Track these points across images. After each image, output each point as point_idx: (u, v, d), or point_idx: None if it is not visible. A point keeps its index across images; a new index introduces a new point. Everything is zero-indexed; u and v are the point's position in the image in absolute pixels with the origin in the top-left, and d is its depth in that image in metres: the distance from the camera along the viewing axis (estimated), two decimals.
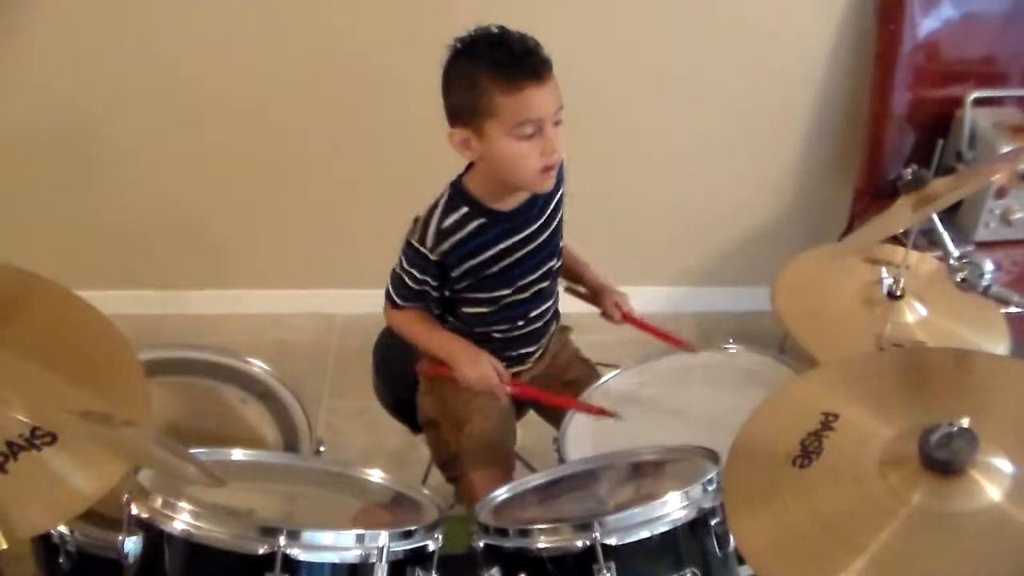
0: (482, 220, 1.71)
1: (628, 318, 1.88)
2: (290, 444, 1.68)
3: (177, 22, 2.55)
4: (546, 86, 1.59)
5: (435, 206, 1.72)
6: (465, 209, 1.71)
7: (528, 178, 1.65)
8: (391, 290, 1.80)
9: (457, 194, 1.72)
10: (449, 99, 1.64)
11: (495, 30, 1.61)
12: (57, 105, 2.67)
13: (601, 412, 1.73)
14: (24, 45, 2.57)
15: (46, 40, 2.56)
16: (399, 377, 2.01)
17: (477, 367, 1.75)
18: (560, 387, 1.93)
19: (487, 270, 1.74)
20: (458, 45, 1.62)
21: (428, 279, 1.74)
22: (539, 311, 1.84)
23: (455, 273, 1.73)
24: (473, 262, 1.72)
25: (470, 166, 1.73)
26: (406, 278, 1.75)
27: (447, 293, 1.78)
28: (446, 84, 1.64)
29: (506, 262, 1.75)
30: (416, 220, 1.74)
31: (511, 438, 1.91)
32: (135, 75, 2.62)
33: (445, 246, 1.70)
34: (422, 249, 1.70)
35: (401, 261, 1.75)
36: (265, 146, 2.76)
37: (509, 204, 1.73)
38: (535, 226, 1.76)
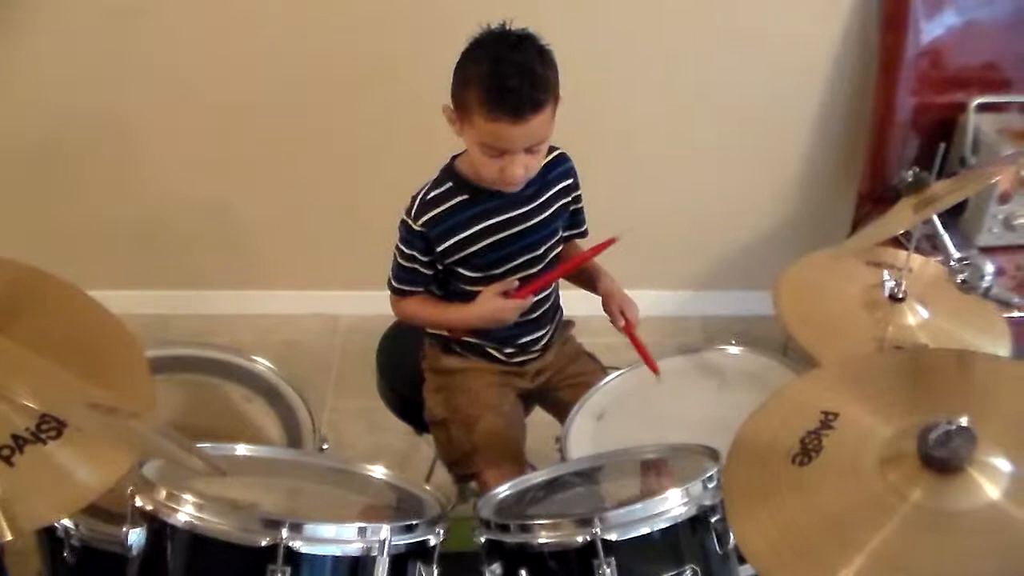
0: (464, 196, 1.75)
1: (628, 330, 1.82)
2: (294, 442, 1.70)
3: (198, 24, 2.57)
4: (523, 125, 1.59)
5: (427, 182, 1.79)
6: (449, 184, 1.76)
7: (489, 181, 1.71)
8: (390, 276, 1.84)
9: (446, 171, 1.79)
10: (453, 79, 1.66)
11: (510, 40, 1.62)
12: (71, 107, 2.68)
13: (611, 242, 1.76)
14: (42, 42, 2.58)
15: (64, 39, 2.58)
16: (404, 377, 2.02)
17: (491, 312, 1.76)
18: (565, 380, 1.95)
19: (470, 247, 1.77)
20: (479, 37, 1.64)
21: (416, 253, 1.77)
22: (537, 298, 1.84)
23: (439, 248, 1.76)
24: (456, 238, 1.76)
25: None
26: (398, 255, 1.81)
27: (440, 268, 1.80)
28: (457, 64, 1.66)
29: (489, 240, 1.77)
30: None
31: (522, 433, 1.92)
32: (150, 78, 2.64)
33: (426, 217, 1.74)
34: (408, 220, 1.76)
35: (397, 239, 1.80)
36: (271, 149, 2.77)
37: None
38: (525, 209, 1.78)
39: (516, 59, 1.60)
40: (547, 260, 1.85)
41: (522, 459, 1.88)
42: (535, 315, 1.87)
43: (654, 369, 1.79)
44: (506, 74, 1.58)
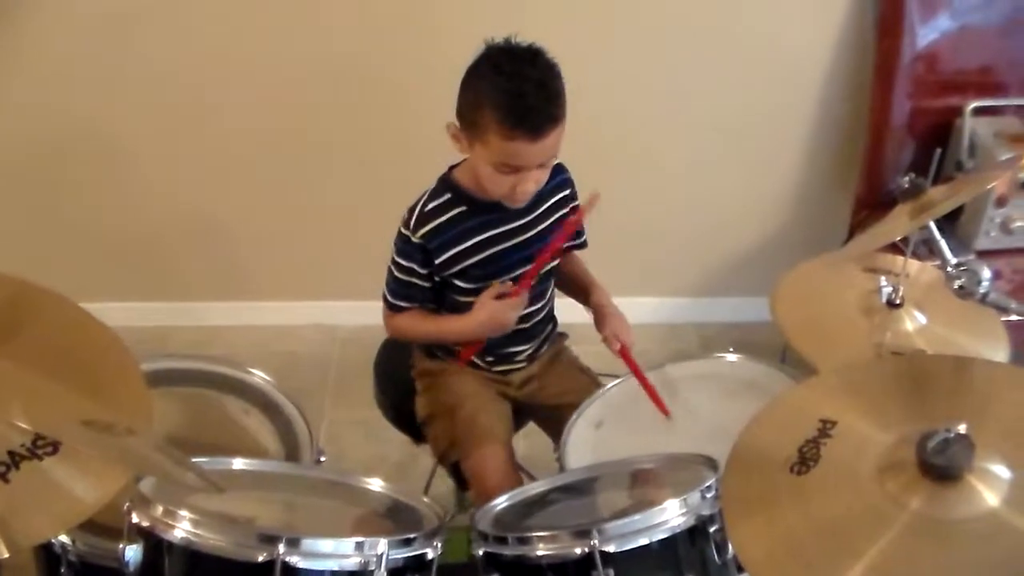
0: (463, 208, 1.75)
1: (624, 354, 1.81)
2: (292, 454, 1.69)
3: (194, 34, 2.58)
4: (540, 143, 1.58)
5: (424, 193, 1.78)
6: (448, 196, 1.76)
7: (496, 197, 1.70)
8: (386, 291, 1.83)
9: (443, 183, 1.78)
10: (460, 97, 1.65)
11: (521, 55, 1.59)
12: (65, 116, 2.68)
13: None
14: (37, 54, 2.58)
15: (59, 49, 2.58)
16: (401, 388, 2.01)
17: (490, 316, 1.75)
18: (553, 397, 1.94)
19: (469, 259, 1.76)
20: (487, 53, 1.61)
21: (414, 266, 1.77)
22: (528, 310, 1.84)
23: (438, 260, 1.76)
24: (455, 250, 1.75)
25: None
26: (395, 268, 1.80)
27: (436, 280, 1.79)
28: (464, 82, 1.64)
29: (488, 252, 1.77)
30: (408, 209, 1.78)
31: (507, 423, 1.90)
32: (146, 89, 2.64)
33: (425, 229, 1.74)
34: (406, 232, 1.75)
35: (392, 252, 1.80)
36: (270, 159, 2.78)
37: None
38: (523, 220, 1.78)
39: (532, 76, 1.57)
40: (544, 276, 1.85)
41: (508, 443, 1.86)
42: (524, 326, 1.86)
43: (664, 411, 1.76)
44: (525, 92, 1.55)
